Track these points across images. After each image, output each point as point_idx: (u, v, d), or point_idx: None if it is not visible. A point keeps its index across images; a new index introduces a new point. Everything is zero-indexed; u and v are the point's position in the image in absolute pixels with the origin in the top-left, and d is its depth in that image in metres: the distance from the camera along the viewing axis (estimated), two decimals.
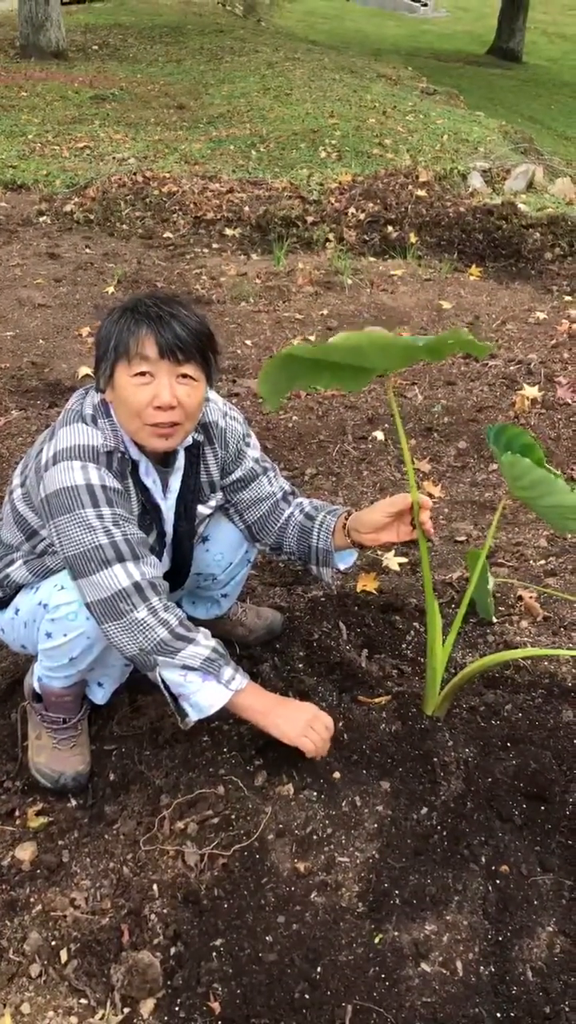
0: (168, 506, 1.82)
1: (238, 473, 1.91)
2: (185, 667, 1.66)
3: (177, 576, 1.94)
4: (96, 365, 1.69)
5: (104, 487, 1.64)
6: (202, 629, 1.72)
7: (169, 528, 1.85)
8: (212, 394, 1.85)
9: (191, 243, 5.94)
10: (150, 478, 1.76)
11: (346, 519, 1.87)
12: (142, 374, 1.60)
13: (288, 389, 1.80)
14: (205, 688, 1.67)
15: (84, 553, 1.62)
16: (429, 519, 1.82)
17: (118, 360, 1.61)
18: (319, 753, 1.74)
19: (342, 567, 1.96)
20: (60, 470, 1.63)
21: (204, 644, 1.68)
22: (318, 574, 1.98)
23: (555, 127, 13.81)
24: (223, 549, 2.00)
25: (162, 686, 1.70)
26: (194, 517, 1.89)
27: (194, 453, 1.83)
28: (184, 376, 1.63)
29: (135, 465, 1.72)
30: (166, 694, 1.71)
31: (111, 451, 1.67)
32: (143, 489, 1.75)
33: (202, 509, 1.90)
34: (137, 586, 1.63)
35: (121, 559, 1.63)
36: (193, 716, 1.70)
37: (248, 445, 1.91)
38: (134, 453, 1.71)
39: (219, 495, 1.93)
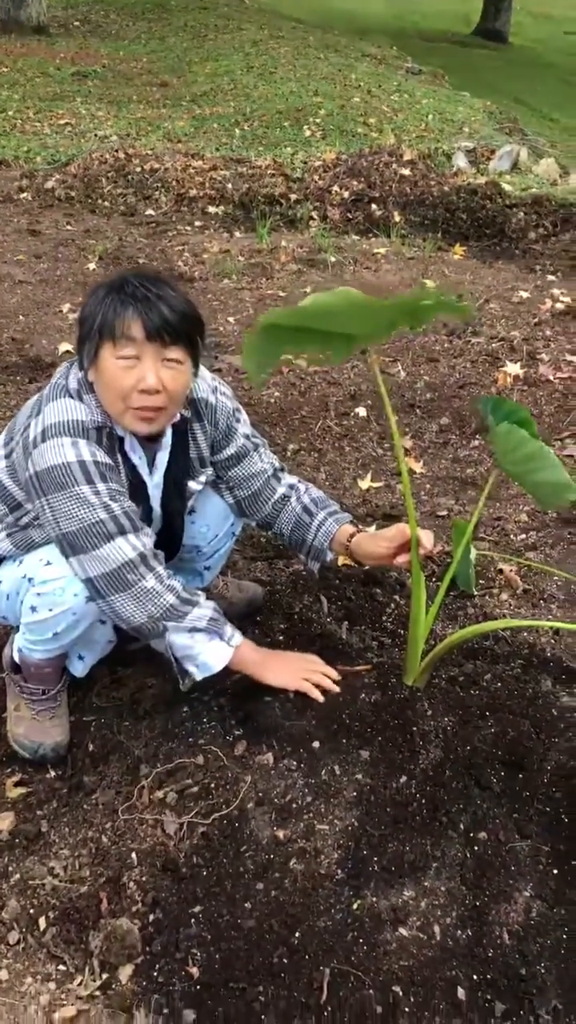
0: (155, 482, 1.81)
1: (230, 450, 1.90)
2: (193, 629, 1.70)
3: (166, 552, 1.94)
4: (79, 344, 1.66)
5: (96, 462, 1.62)
6: (199, 591, 1.75)
7: (156, 504, 1.84)
8: (201, 370, 1.83)
9: (173, 220, 5.90)
10: (136, 454, 1.74)
11: (349, 539, 1.89)
12: (127, 357, 1.58)
13: (274, 361, 1.79)
14: (210, 647, 1.72)
15: (84, 529, 1.61)
16: (428, 541, 1.84)
17: (103, 341, 1.58)
18: (323, 689, 1.80)
19: (328, 560, 2.01)
20: (50, 447, 1.61)
21: (206, 605, 1.73)
22: (305, 563, 2.03)
23: (540, 108, 13.76)
24: (209, 521, 2.00)
25: (168, 651, 1.73)
26: (185, 494, 1.88)
27: (182, 430, 1.82)
28: (169, 360, 1.61)
29: (121, 441, 1.71)
30: (171, 658, 1.74)
31: (99, 427, 1.65)
32: (130, 466, 1.74)
33: (193, 485, 1.89)
34: (143, 556, 1.64)
35: (123, 532, 1.63)
36: (198, 676, 1.74)
37: (239, 421, 1.90)
38: (120, 429, 1.69)
39: (209, 471, 1.92)
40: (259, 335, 1.62)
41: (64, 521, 1.63)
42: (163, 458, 1.81)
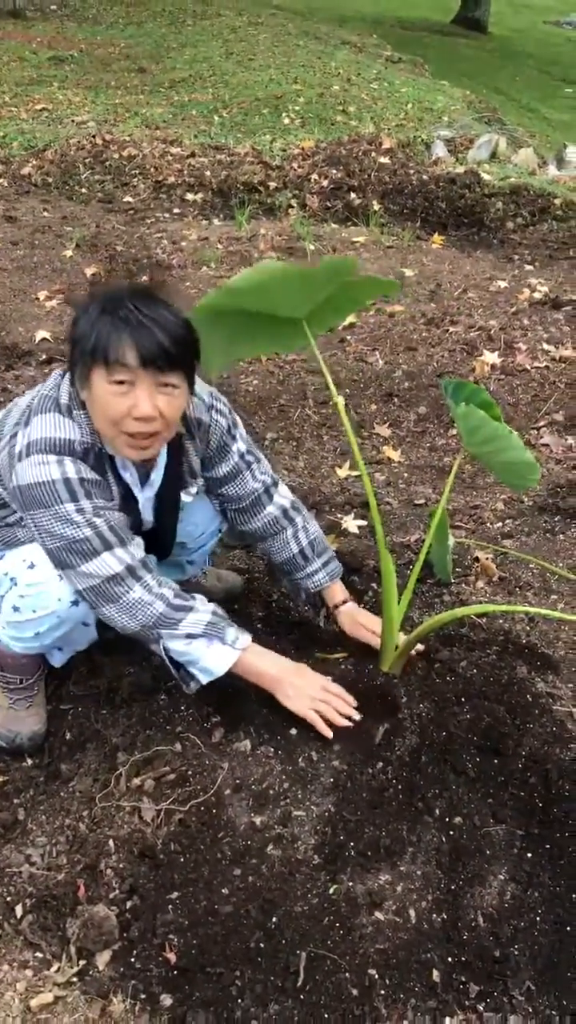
0: (146, 497, 1.80)
1: (222, 469, 1.89)
2: (189, 636, 1.67)
3: (157, 556, 1.94)
4: (70, 363, 1.60)
5: (82, 479, 1.60)
6: (198, 595, 1.73)
7: (148, 516, 1.83)
8: (199, 385, 1.78)
9: (152, 208, 5.86)
10: (127, 472, 1.73)
11: (335, 608, 2.01)
12: (120, 382, 1.53)
13: (228, 352, 1.80)
14: (211, 651, 1.69)
15: (68, 547, 1.60)
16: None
17: (95, 364, 1.53)
18: (333, 723, 1.75)
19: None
20: (34, 463, 1.57)
21: (203, 610, 1.69)
22: (281, 582, 2.12)
23: (519, 98, 13.77)
24: (197, 520, 1.99)
25: (164, 657, 1.71)
26: (178, 506, 1.88)
27: (175, 445, 1.79)
28: (165, 385, 1.57)
29: (112, 460, 1.69)
30: (168, 663, 1.71)
31: (88, 447, 1.62)
32: (122, 483, 1.72)
33: (184, 497, 1.88)
34: (129, 568, 1.63)
35: (109, 547, 1.61)
36: (203, 679, 1.71)
37: (234, 438, 1.88)
38: (110, 448, 1.66)
39: (200, 482, 1.91)
40: (200, 320, 1.62)
41: (48, 538, 1.61)
42: (157, 476, 1.79)
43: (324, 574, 2.00)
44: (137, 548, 1.67)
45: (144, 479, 1.77)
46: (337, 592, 2.03)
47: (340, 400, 1.87)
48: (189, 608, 1.68)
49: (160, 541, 1.91)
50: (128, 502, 1.75)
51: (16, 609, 1.73)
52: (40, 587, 1.69)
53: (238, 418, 1.91)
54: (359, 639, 1.99)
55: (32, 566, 1.69)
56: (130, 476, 1.73)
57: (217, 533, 2.09)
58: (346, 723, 1.76)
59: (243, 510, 1.97)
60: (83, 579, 1.63)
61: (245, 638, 1.73)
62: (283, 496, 1.98)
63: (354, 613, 2.02)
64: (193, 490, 1.89)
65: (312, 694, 1.76)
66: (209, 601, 2.19)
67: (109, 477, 1.68)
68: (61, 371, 1.68)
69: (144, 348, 1.51)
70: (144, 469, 1.77)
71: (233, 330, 1.71)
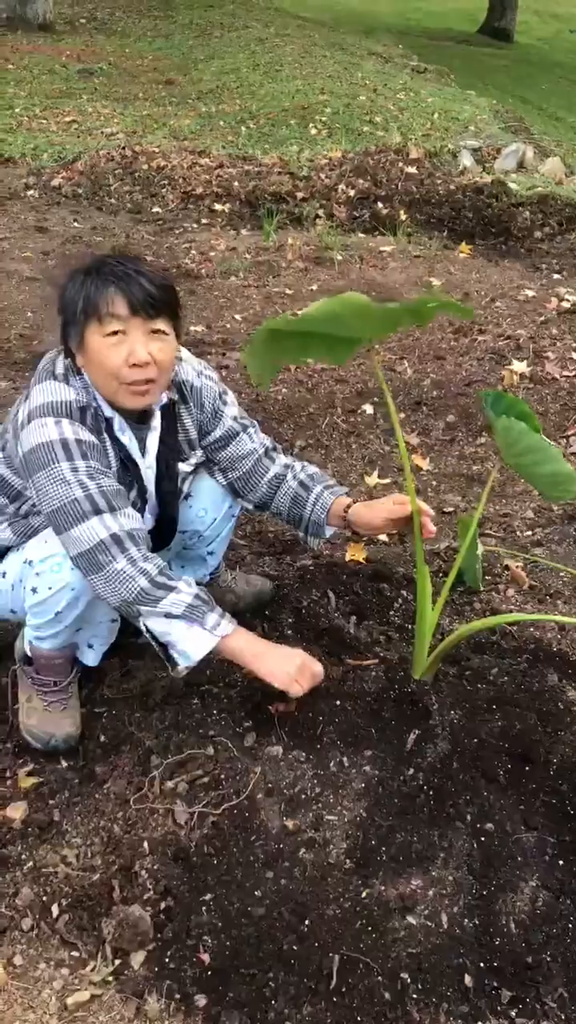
0: (147, 465, 1.84)
1: (218, 432, 1.93)
2: (168, 615, 1.66)
3: (163, 536, 1.96)
4: (64, 331, 1.69)
5: (79, 441, 1.66)
6: (184, 577, 1.72)
7: (150, 487, 1.87)
8: (186, 353, 1.88)
9: (180, 218, 5.91)
10: (125, 435, 1.77)
11: (346, 510, 1.90)
12: (114, 333, 1.62)
13: (277, 366, 1.82)
14: (190, 635, 1.67)
15: (61, 508, 1.64)
16: (431, 523, 1.87)
17: (88, 322, 1.62)
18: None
19: (326, 535, 2.01)
20: (35, 427, 1.65)
21: (186, 591, 1.67)
22: (303, 539, 2.04)
23: (546, 107, 13.73)
24: (206, 504, 2.02)
25: (149, 637, 1.71)
26: (176, 476, 1.91)
27: (170, 412, 1.85)
28: (156, 332, 1.66)
29: (109, 422, 1.74)
30: (154, 644, 1.71)
31: (84, 406, 1.69)
32: (119, 446, 1.77)
33: (183, 467, 1.92)
34: (115, 537, 1.64)
35: (98, 511, 1.64)
36: (182, 664, 1.70)
37: (225, 403, 1.93)
38: (107, 410, 1.73)
39: (199, 453, 1.95)
40: (262, 340, 1.64)
41: (45, 501, 1.66)
42: (153, 441, 1.84)
43: (328, 493, 1.94)
44: (128, 519, 1.67)
45: (142, 447, 1.82)
46: (342, 501, 1.93)
47: (393, 406, 1.86)
48: (171, 588, 1.66)
49: (164, 519, 1.93)
50: (129, 470, 1.79)
51: (35, 590, 1.76)
52: (52, 560, 1.73)
53: (228, 388, 1.96)
54: (382, 531, 1.92)
55: (46, 541, 1.75)
56: (128, 440, 1.78)
57: (231, 518, 2.10)
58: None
59: (248, 477, 1.97)
60: (73, 545, 1.65)
61: (227, 625, 1.69)
62: (283, 457, 2.00)
63: (365, 506, 1.91)
64: (192, 460, 1.93)
65: (294, 666, 1.72)
66: (238, 605, 2.24)
67: (106, 439, 1.74)
68: (54, 350, 1.76)
69: (132, 296, 1.61)
70: (141, 435, 1.81)
71: (287, 345, 1.72)
